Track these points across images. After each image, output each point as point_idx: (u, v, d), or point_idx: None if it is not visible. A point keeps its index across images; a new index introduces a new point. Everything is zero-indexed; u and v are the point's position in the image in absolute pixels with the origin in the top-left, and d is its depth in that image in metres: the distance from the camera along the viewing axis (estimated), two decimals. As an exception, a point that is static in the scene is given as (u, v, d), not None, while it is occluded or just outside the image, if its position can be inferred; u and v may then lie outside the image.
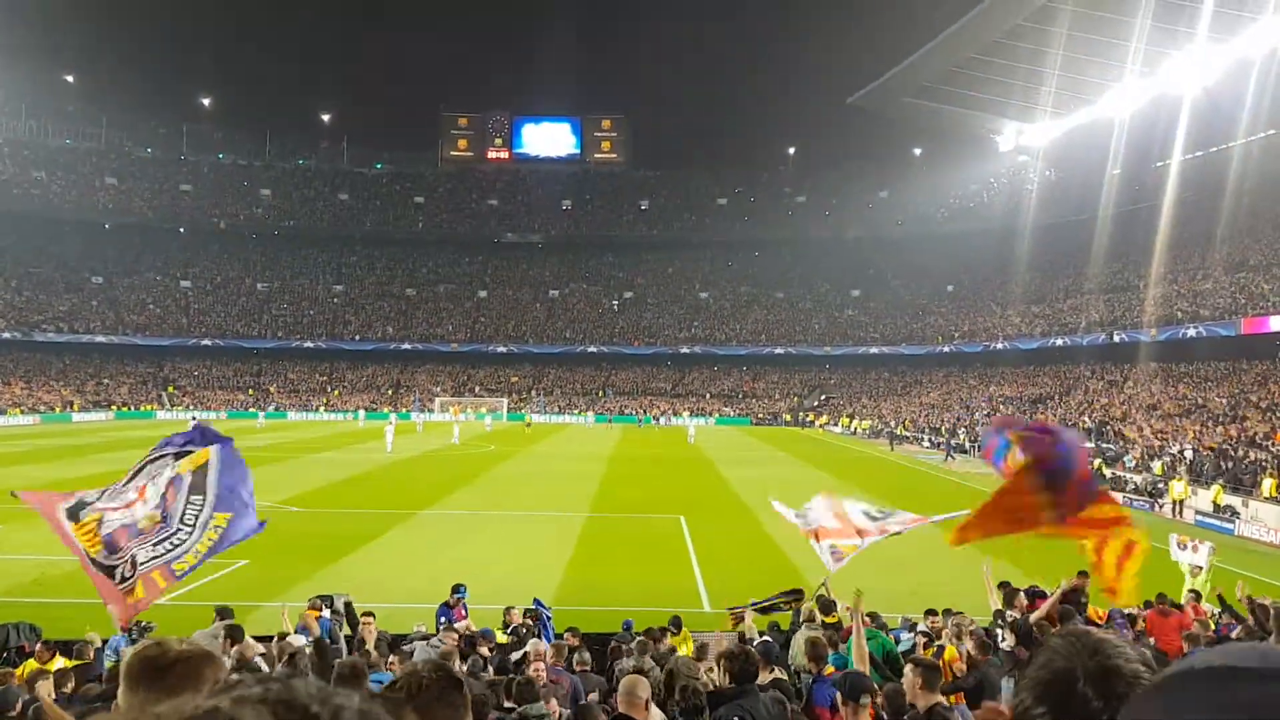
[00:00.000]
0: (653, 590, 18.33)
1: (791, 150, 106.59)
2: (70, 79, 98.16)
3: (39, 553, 20.96)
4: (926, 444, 58.60)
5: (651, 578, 19.64)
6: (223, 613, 10.49)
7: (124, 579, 7.76)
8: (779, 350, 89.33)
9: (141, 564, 7.74)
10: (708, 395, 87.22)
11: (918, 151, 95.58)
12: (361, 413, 77.00)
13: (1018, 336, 72.26)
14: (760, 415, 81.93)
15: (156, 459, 8.15)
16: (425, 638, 10.96)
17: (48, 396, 75.07)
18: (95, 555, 7.92)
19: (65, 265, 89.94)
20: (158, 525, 7.84)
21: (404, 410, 79.37)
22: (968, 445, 53.30)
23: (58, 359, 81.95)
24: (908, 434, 63.03)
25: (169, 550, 7.84)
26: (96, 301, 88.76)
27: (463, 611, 12.65)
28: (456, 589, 12.84)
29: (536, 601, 12.96)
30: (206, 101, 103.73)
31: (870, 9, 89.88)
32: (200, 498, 7.89)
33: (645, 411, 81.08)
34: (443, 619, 12.27)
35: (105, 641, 11.46)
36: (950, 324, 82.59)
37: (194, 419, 9.06)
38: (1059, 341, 66.89)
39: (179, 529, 7.89)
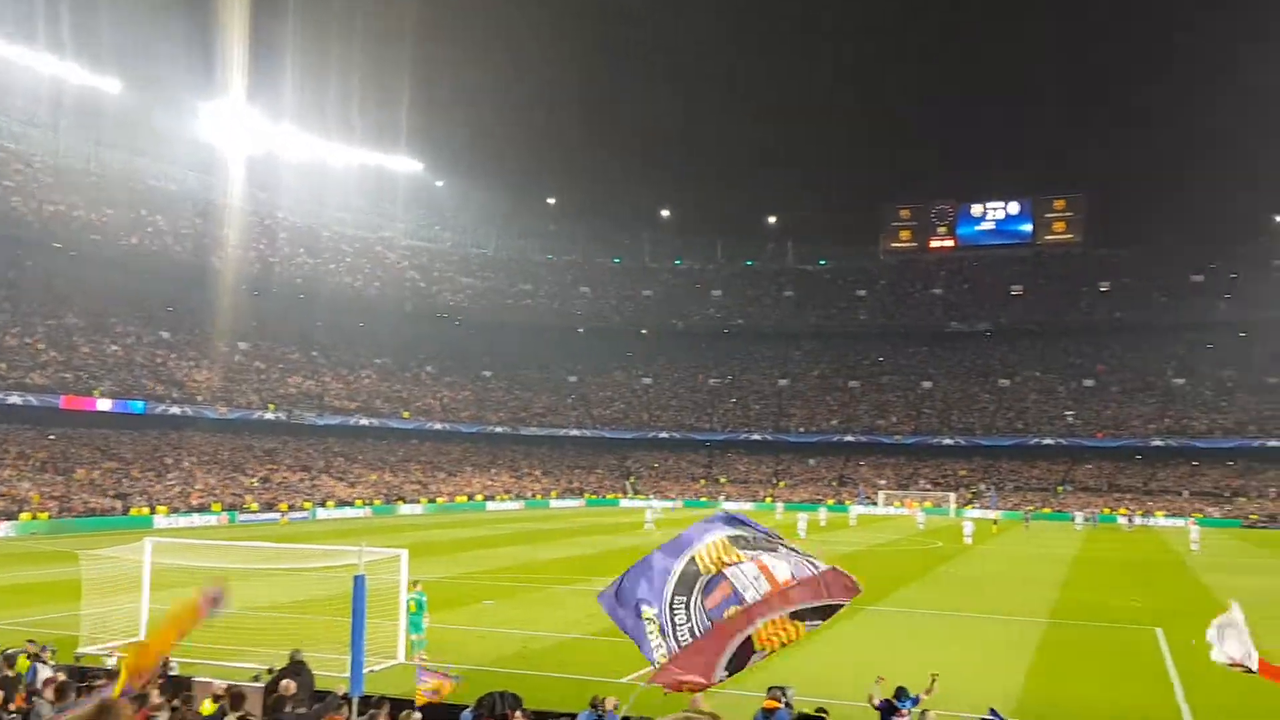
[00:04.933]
0: (1126, 709, 16.43)
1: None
2: (551, 201, 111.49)
3: (523, 628, 23.11)
4: None
5: (1124, 695, 17.60)
6: None
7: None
8: (1273, 443, 77.92)
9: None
10: (1185, 494, 77.96)
11: None
12: (780, 504, 77.46)
13: None
14: (1254, 517, 71.62)
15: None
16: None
17: (531, 484, 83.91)
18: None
19: (545, 367, 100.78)
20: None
21: (843, 503, 78.78)
22: None
23: (538, 450, 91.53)
24: None
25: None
26: (571, 399, 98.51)
27: (906, 716, 12.03)
28: (899, 693, 12.25)
29: (992, 711, 12.02)
30: (665, 213, 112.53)
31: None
32: None
33: (1113, 509, 74.12)
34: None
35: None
36: None
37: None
38: None
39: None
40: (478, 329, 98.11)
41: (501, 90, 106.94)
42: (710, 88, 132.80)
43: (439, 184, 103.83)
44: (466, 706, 12.22)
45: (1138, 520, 70.23)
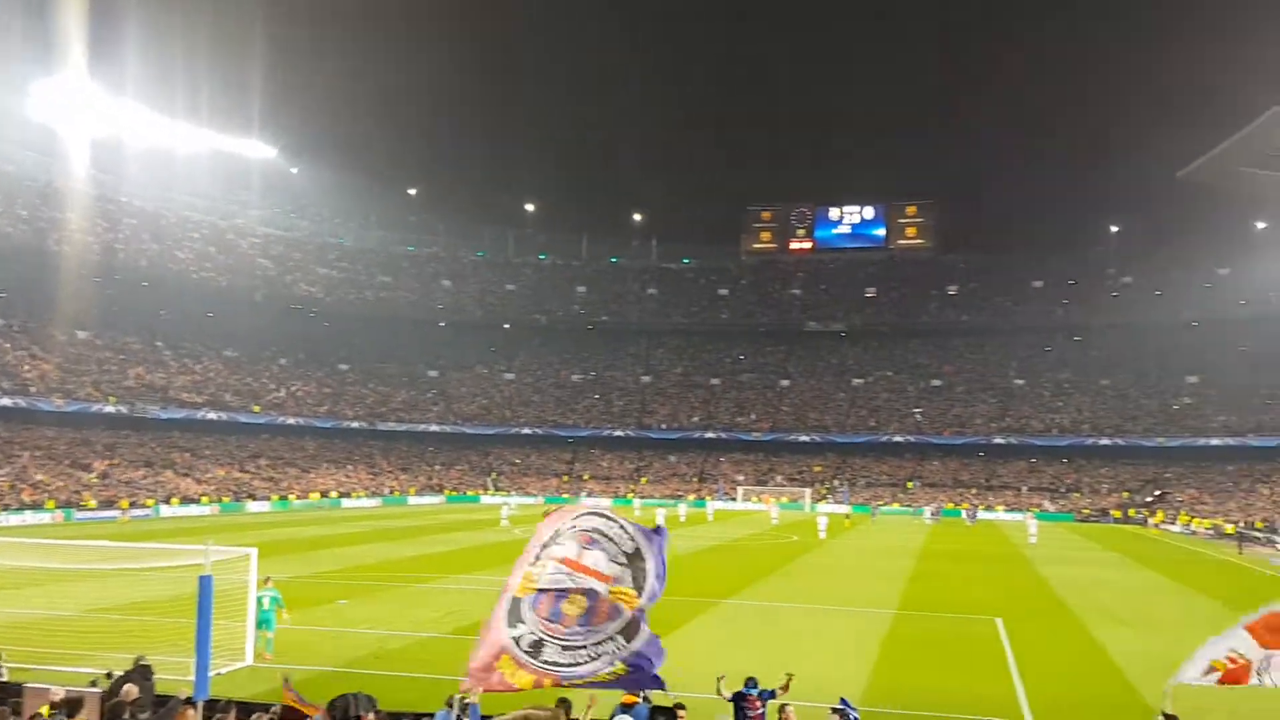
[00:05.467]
0: (967, 697, 17.13)
1: (1115, 228, 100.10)
2: (413, 192, 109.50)
3: (379, 627, 22.64)
4: (1285, 548, 51.82)
5: (965, 684, 18.37)
6: None
7: (507, 654, 7.07)
8: (1105, 441, 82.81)
9: (535, 658, 7.03)
10: (1024, 489, 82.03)
11: (1261, 225, 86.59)
12: (638, 501, 78.39)
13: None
14: (1086, 512, 75.94)
15: (605, 534, 7.47)
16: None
17: (389, 481, 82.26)
18: (520, 600, 7.21)
19: (405, 361, 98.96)
20: (577, 617, 7.07)
21: (703, 498, 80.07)
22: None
23: (397, 446, 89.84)
24: (1259, 535, 56.16)
25: (569, 666, 7.00)
26: (431, 394, 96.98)
27: (758, 705, 12.31)
28: (749, 682, 12.56)
29: (843, 701, 12.37)
30: (530, 207, 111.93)
31: (1200, 74, 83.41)
32: (620, 626, 7.12)
33: (957, 504, 77.37)
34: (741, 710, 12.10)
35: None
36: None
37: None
38: None
39: (592, 649, 7.08)
40: (334, 321, 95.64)
41: (361, 76, 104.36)
42: (578, 83, 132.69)
43: (293, 171, 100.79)
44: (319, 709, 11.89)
45: (980, 514, 73.49)
